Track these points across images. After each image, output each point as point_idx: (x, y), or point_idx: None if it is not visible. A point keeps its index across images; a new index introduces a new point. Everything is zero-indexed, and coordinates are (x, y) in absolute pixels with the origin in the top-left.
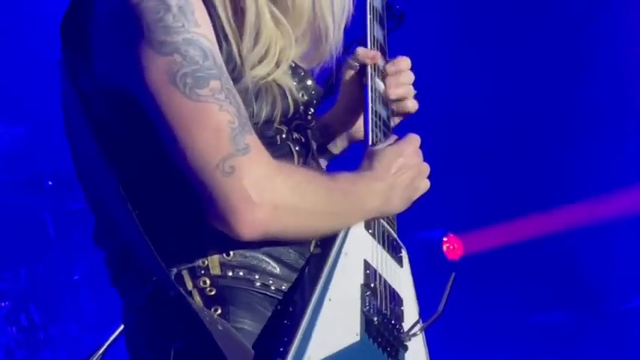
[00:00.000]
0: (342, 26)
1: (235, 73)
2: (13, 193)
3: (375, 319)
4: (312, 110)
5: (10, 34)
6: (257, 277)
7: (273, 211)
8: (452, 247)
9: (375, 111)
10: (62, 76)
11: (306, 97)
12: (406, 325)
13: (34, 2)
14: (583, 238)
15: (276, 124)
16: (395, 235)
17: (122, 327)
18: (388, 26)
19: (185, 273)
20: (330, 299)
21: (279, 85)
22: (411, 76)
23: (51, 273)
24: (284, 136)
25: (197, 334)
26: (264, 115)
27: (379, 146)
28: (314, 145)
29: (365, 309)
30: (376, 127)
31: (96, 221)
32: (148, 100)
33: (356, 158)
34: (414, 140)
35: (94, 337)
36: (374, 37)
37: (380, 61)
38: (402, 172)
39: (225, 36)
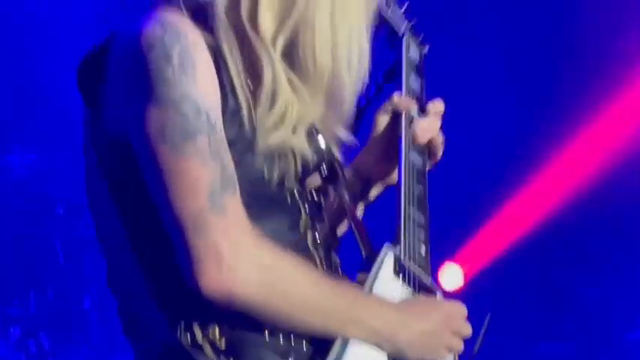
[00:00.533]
0: (360, 85)
1: (246, 134)
2: (24, 219)
3: None
4: (326, 171)
5: (23, 60)
6: (266, 330)
7: (240, 276)
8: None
9: (410, 161)
10: (83, 123)
11: (316, 160)
12: None
13: (50, 27)
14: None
15: (287, 185)
16: (428, 282)
17: None
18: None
19: (195, 325)
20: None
21: (290, 148)
22: (438, 122)
23: (61, 300)
24: (296, 196)
25: None
26: (274, 178)
27: (423, 296)
28: (333, 198)
29: None
30: (411, 177)
31: (108, 268)
32: (139, 150)
33: None
34: (460, 307)
35: None
36: (410, 87)
37: (413, 110)
38: (424, 317)
39: (234, 90)
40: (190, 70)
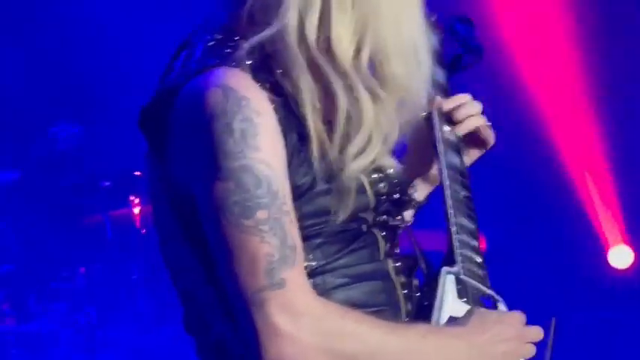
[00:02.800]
0: (428, 84)
1: (322, 175)
2: (70, 192)
3: None
4: (397, 196)
5: (67, 33)
6: None
7: (302, 347)
8: None
9: (449, 163)
10: (148, 167)
11: (387, 189)
12: None
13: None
14: None
15: (360, 214)
16: (489, 292)
17: None
18: (466, 62)
19: None
20: None
21: (357, 179)
22: (476, 107)
23: (108, 273)
24: (370, 223)
25: None
26: (350, 212)
27: (483, 309)
28: (405, 220)
29: None
30: (452, 180)
31: (185, 311)
32: (203, 219)
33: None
34: (519, 315)
35: (151, 338)
36: (434, 80)
37: (444, 106)
38: (496, 339)
39: (306, 142)
40: (251, 139)
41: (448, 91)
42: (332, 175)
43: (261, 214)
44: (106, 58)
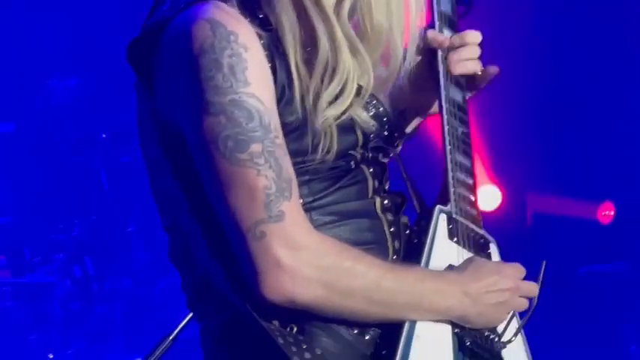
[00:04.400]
0: (415, 45)
1: (304, 115)
2: (67, 145)
3: (467, 340)
4: (387, 133)
5: None
6: None
7: (301, 280)
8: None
9: (449, 97)
10: (137, 97)
11: (377, 126)
12: (501, 328)
13: None
14: None
15: (349, 152)
16: (481, 232)
17: (189, 316)
18: (457, 13)
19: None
20: (418, 335)
21: (347, 119)
22: (475, 50)
23: (104, 225)
24: (359, 159)
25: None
26: (333, 151)
27: (481, 258)
28: (400, 162)
29: (455, 331)
30: (452, 115)
31: (171, 244)
32: (195, 154)
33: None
34: (518, 268)
35: (147, 290)
36: (441, 12)
37: (450, 42)
38: (491, 289)
39: (291, 81)
40: (240, 74)
41: (455, 23)
42: (311, 118)
43: (255, 147)
44: (102, 10)
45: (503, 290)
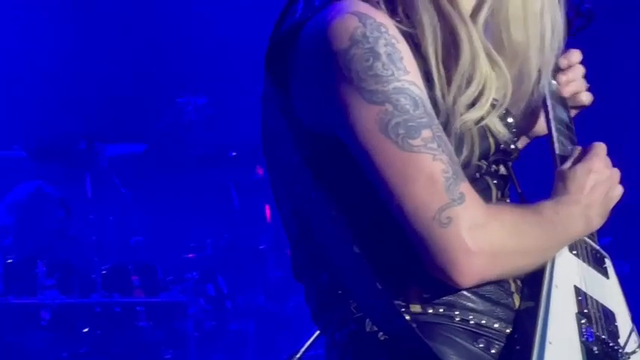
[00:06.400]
0: (553, 59)
1: (442, 118)
2: (198, 162)
3: (595, 348)
4: (514, 146)
5: (194, 8)
6: (457, 312)
7: (491, 257)
8: None
9: (557, 117)
10: (265, 108)
11: (507, 136)
12: (623, 341)
13: None
14: None
15: (475, 162)
16: (597, 246)
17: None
18: (576, 25)
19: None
20: (550, 342)
21: (480, 125)
22: (581, 70)
23: (237, 243)
24: (483, 170)
25: None
26: (463, 158)
27: (567, 165)
28: (513, 175)
29: (583, 339)
30: (560, 133)
31: (295, 256)
32: (358, 148)
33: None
34: (600, 150)
35: (280, 307)
36: None
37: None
38: (596, 188)
39: (432, 81)
40: (399, 62)
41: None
42: (450, 121)
43: (426, 133)
44: (231, 30)
45: (602, 182)
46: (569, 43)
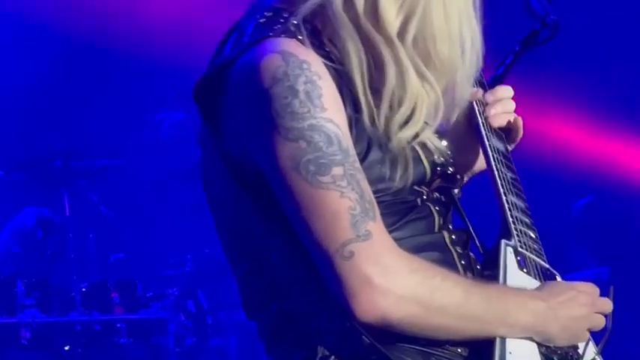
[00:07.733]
0: (475, 69)
1: (377, 141)
2: (176, 178)
3: (555, 357)
4: (452, 169)
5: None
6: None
7: (395, 299)
8: None
9: (494, 147)
10: (200, 140)
11: (442, 159)
12: (581, 350)
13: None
14: None
15: (415, 187)
16: (547, 265)
17: None
18: (542, 38)
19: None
20: (510, 352)
21: (412, 149)
22: (511, 105)
23: (217, 258)
24: (424, 197)
25: None
26: (398, 181)
27: (551, 281)
28: (457, 201)
29: (542, 350)
30: (499, 163)
31: (245, 295)
32: (275, 182)
33: None
34: (591, 285)
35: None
36: (476, 78)
37: (481, 95)
38: (570, 303)
39: (359, 107)
40: (317, 100)
41: (486, 87)
42: (383, 144)
43: (336, 170)
44: (209, 47)
45: (582, 305)
46: (539, 54)
